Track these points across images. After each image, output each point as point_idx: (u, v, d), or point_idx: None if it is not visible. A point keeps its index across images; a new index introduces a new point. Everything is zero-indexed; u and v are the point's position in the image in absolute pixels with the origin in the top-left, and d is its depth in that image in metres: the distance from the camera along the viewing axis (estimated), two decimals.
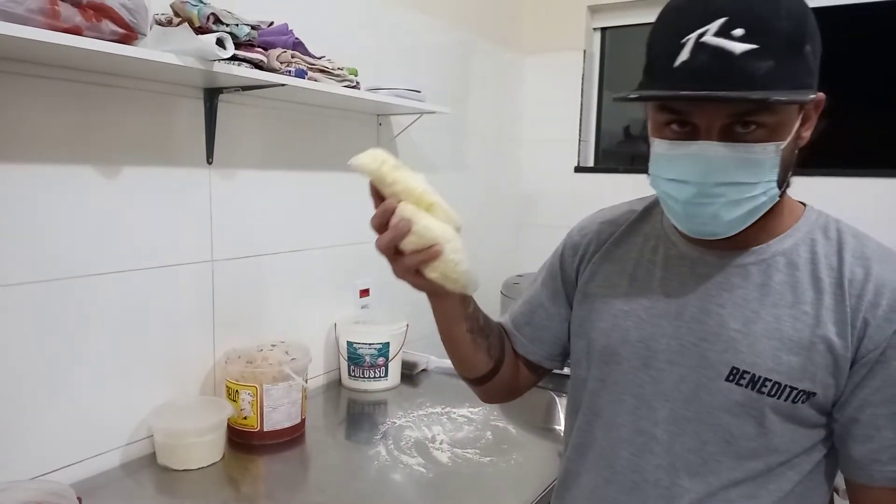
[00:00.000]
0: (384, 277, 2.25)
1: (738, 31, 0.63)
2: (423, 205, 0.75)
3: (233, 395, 1.49)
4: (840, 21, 2.41)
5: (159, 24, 1.28)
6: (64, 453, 1.29)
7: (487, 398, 1.03)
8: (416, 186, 0.74)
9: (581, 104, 2.79)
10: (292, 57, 1.47)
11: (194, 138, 1.50)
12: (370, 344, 1.85)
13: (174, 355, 1.49)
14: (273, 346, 1.63)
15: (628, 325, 0.83)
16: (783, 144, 0.68)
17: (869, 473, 0.72)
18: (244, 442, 1.49)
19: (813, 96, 0.67)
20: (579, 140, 2.83)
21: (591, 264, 0.91)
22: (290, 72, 1.45)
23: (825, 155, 2.44)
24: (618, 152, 2.95)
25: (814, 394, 0.72)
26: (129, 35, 1.14)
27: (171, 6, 1.29)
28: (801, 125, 0.72)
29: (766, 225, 0.76)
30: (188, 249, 1.50)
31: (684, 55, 0.66)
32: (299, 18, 1.57)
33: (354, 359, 1.86)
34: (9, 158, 1.17)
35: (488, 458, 1.45)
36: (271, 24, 1.48)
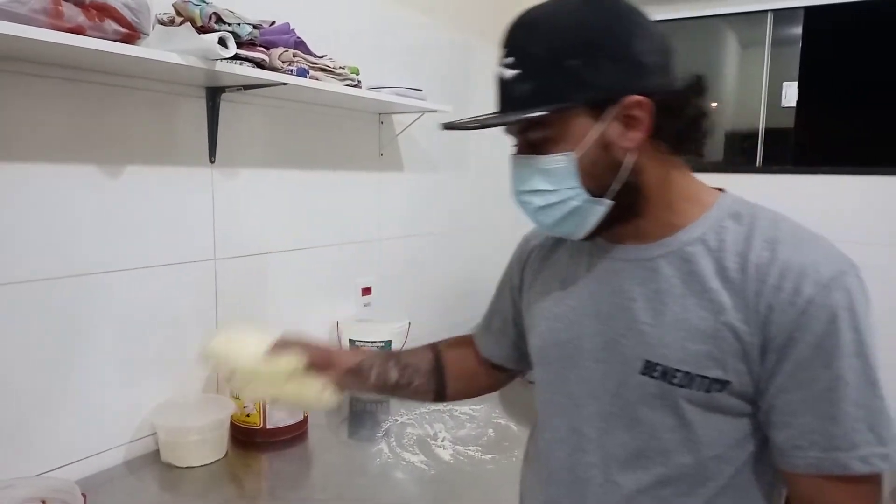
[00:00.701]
0: (386, 276, 2.24)
1: (509, 60, 0.73)
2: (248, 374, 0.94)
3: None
4: (842, 20, 2.41)
5: (162, 23, 1.29)
6: (68, 451, 1.30)
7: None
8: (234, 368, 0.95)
9: None
10: (294, 56, 1.47)
11: (197, 137, 1.50)
12: (372, 342, 1.85)
13: (177, 353, 1.50)
14: None
15: (559, 327, 0.85)
16: (575, 154, 0.72)
17: (791, 461, 0.71)
18: (247, 440, 1.50)
19: (540, 113, 0.70)
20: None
21: (531, 270, 0.94)
22: (291, 71, 1.45)
23: (824, 153, 2.45)
24: None
25: (727, 382, 0.71)
26: (131, 35, 1.14)
27: (173, 6, 1.29)
28: (627, 129, 0.72)
29: (664, 216, 0.77)
30: (191, 248, 1.51)
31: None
32: (301, 18, 1.57)
33: None
34: (11, 157, 1.18)
35: (490, 456, 1.46)
36: (273, 23, 1.48)
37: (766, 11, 2.52)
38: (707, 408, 0.73)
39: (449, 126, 0.80)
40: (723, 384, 0.71)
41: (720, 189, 0.81)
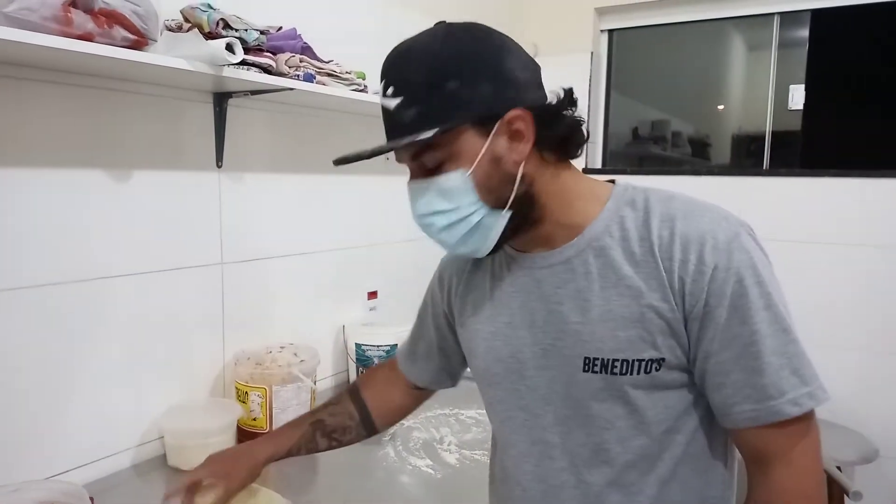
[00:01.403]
0: (392, 280, 2.24)
1: (391, 90, 0.76)
2: None
3: (242, 396, 1.50)
4: (849, 22, 2.41)
5: (170, 29, 1.30)
6: (76, 454, 1.30)
7: None
8: None
9: (588, 106, 2.79)
10: (301, 61, 1.48)
11: (204, 142, 1.51)
12: (378, 346, 1.85)
13: (184, 357, 1.51)
14: (282, 347, 1.64)
15: (498, 345, 0.87)
16: (469, 170, 0.75)
17: (732, 418, 0.75)
18: None
19: (430, 133, 0.72)
20: (587, 141, 2.82)
21: (458, 297, 0.96)
22: (298, 76, 1.46)
23: (831, 156, 2.44)
24: (626, 153, 2.94)
25: (662, 359, 0.75)
26: (140, 41, 1.15)
27: (181, 12, 1.30)
28: (514, 142, 0.75)
29: (566, 218, 0.81)
30: (198, 252, 1.52)
31: None
32: (307, 23, 1.58)
33: (363, 360, 1.87)
34: (22, 163, 1.19)
35: None
36: (280, 28, 1.49)
37: (772, 14, 2.52)
38: (651, 388, 0.77)
39: (341, 161, 0.80)
40: (659, 362, 0.75)
41: (612, 181, 0.85)
